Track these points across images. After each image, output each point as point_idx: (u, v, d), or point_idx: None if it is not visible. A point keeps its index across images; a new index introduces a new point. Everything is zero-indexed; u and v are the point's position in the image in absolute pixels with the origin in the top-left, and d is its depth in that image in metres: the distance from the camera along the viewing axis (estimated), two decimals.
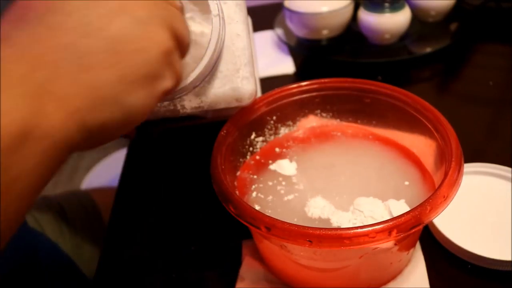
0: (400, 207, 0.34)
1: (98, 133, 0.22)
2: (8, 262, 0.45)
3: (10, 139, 0.18)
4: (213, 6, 0.33)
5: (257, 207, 0.38)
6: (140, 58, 0.23)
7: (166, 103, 0.37)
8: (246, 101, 0.38)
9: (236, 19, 0.36)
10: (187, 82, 0.34)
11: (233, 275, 0.40)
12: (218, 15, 0.33)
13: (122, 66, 0.22)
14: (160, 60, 0.24)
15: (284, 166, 0.42)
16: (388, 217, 0.34)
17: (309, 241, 0.29)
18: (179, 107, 0.37)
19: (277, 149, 0.44)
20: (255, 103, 0.42)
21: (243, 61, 0.36)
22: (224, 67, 0.36)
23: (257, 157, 0.43)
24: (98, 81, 0.21)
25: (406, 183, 0.39)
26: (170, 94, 0.30)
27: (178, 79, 0.27)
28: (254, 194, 0.40)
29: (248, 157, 0.43)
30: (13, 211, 0.19)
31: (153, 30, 0.24)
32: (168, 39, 0.24)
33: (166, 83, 0.25)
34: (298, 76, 0.68)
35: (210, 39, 0.33)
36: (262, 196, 0.40)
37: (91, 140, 0.23)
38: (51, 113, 0.20)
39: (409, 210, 0.30)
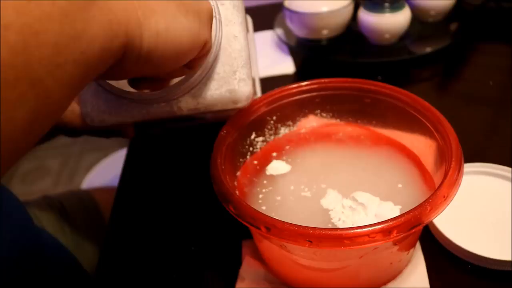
0: (391, 212, 0.34)
1: (152, 41, 0.25)
2: (14, 256, 0.45)
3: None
4: None
5: (263, 208, 0.38)
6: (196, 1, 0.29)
7: (163, 104, 0.37)
8: (242, 103, 0.37)
9: (234, 21, 0.36)
10: (183, 84, 0.34)
11: (233, 275, 0.40)
12: (215, 16, 0.33)
13: None
14: (207, 13, 0.29)
15: (279, 167, 0.42)
16: (374, 215, 0.34)
17: (309, 241, 0.29)
18: (175, 108, 0.37)
19: (274, 154, 0.44)
20: (255, 103, 0.42)
21: (240, 63, 0.36)
22: (220, 69, 0.36)
23: (255, 162, 0.43)
24: None
25: (400, 185, 0.39)
26: (206, 52, 0.31)
27: (209, 45, 0.31)
28: (260, 196, 0.40)
29: (248, 157, 0.43)
30: (70, 69, 0.21)
31: None
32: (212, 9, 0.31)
33: (206, 33, 0.29)
34: (298, 76, 0.68)
35: None
36: (265, 198, 0.40)
37: (145, 46, 0.25)
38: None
39: (409, 210, 0.30)
